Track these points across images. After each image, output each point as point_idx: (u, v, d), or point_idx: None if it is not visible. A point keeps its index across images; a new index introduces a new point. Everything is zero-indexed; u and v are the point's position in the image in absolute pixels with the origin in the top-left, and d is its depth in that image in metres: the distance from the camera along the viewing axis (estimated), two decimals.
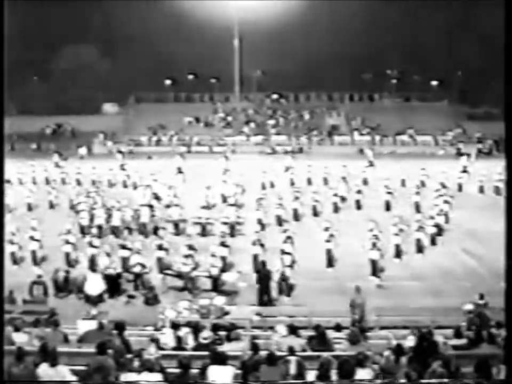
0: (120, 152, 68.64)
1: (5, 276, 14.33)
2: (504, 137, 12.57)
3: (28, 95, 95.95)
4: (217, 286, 27.01)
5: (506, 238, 11.55)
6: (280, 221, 38.14)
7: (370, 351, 14.44)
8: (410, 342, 15.58)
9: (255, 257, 30.01)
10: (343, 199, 43.90)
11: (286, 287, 27.42)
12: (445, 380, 12.56)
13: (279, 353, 14.48)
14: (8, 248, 31.45)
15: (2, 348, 13.07)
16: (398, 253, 31.71)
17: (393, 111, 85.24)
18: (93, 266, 28.64)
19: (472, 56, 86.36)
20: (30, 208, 43.23)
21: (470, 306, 21.05)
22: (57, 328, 17.81)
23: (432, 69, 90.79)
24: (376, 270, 29.37)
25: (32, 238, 31.74)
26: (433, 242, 34.19)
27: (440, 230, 35.37)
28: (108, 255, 28.89)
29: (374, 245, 29.97)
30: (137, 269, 27.77)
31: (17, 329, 17.38)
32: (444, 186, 44.16)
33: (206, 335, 17.08)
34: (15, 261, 31.27)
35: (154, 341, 15.59)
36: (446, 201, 39.42)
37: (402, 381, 12.92)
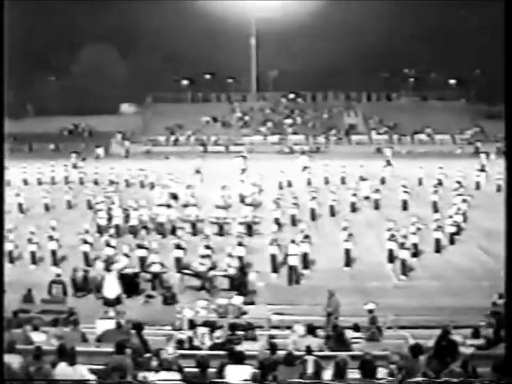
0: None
1: (4, 276, 14.32)
2: (505, 138, 12.45)
3: (45, 95, 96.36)
4: (234, 285, 27.02)
5: (506, 241, 11.43)
6: (294, 221, 38.10)
7: (388, 351, 14.41)
8: (430, 342, 15.50)
9: (273, 257, 30.02)
10: (366, 198, 43.80)
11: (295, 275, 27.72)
12: (462, 380, 12.49)
13: (296, 353, 14.46)
14: (28, 248, 31.71)
15: (2, 348, 13.10)
16: (416, 253, 31.60)
17: (410, 110, 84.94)
18: (109, 266, 28.73)
19: (490, 54, 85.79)
20: (47, 208, 43.42)
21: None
22: (76, 327, 17.86)
23: (450, 67, 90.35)
24: (405, 269, 29.33)
25: (51, 238, 31.88)
26: (451, 241, 34.06)
27: (458, 229, 35.20)
28: (126, 255, 28.98)
29: (402, 244, 29.95)
30: (156, 268, 27.83)
31: (35, 329, 17.46)
32: (461, 185, 43.92)
33: (218, 334, 17.09)
34: (34, 260, 31.46)
35: (172, 340, 15.62)
36: (464, 200, 39.22)
37: (420, 379, 12.86)
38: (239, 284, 26.95)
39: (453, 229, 34.48)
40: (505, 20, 12.22)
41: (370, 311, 20.98)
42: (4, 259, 24.77)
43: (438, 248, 32.84)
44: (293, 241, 29.64)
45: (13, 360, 13.59)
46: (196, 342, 17.44)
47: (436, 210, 39.86)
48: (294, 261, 29.07)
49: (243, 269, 28.30)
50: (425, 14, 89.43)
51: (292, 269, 28.99)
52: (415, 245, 31.61)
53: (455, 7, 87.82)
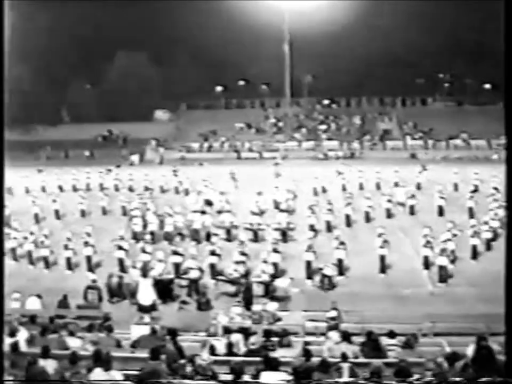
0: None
1: (5, 277, 14.42)
2: (505, 138, 12.25)
3: (81, 102, 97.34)
4: (269, 292, 26.97)
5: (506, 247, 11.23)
6: (329, 227, 37.96)
7: (423, 358, 14.27)
8: (469, 350, 15.30)
9: (308, 263, 29.93)
10: (401, 204, 43.51)
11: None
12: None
13: (331, 360, 14.38)
14: (63, 254, 31.99)
15: (2, 348, 13.17)
16: (453, 259, 31.29)
17: (445, 115, 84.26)
18: (145, 272, 28.83)
19: None
20: (83, 214, 43.74)
21: None
22: (111, 333, 17.95)
23: (485, 71, 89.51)
24: (445, 276, 29.08)
25: (86, 244, 32.11)
26: (488, 247, 33.67)
27: (495, 235, 34.75)
28: (161, 261, 29.08)
29: (443, 250, 29.71)
30: (194, 274, 27.87)
31: (71, 334, 17.58)
32: (498, 190, 43.37)
33: (253, 340, 17.06)
34: (70, 266, 31.70)
35: (207, 346, 15.62)
36: (500, 206, 38.73)
37: None
38: (273, 290, 26.95)
39: (489, 235, 34.08)
40: (505, 21, 12.05)
41: (333, 319, 20.93)
42: (4, 259, 25.05)
43: (475, 254, 32.48)
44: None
45: (48, 365, 13.71)
46: (229, 349, 17.44)
47: (471, 216, 39.45)
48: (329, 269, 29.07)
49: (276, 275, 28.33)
50: (460, 18, 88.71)
51: (325, 276, 28.92)
52: (451, 251, 31.30)
53: (491, 11, 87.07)
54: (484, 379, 12.16)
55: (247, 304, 24.69)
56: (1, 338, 13.30)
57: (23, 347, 15.97)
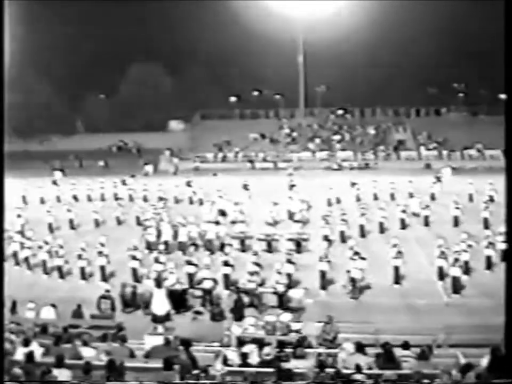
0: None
1: (5, 279, 14.46)
2: (505, 139, 12.19)
3: (95, 113, 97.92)
4: (283, 302, 26.91)
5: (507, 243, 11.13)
6: (344, 237, 37.88)
7: (437, 369, 14.19)
8: (484, 361, 15.20)
9: (323, 274, 29.85)
10: (415, 215, 43.34)
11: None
12: None
13: (345, 371, 14.31)
14: (77, 263, 32.04)
15: (2, 348, 13.19)
16: (467, 270, 31.12)
17: (460, 125, 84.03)
18: (159, 282, 28.83)
19: None
20: (97, 224, 43.85)
21: None
22: (125, 343, 17.94)
23: (499, 81, 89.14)
24: (458, 287, 28.94)
25: (100, 254, 32.16)
26: (503, 258, 33.45)
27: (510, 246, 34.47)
28: (172, 272, 29.06)
29: (456, 260, 29.57)
30: (208, 285, 27.84)
31: (85, 344, 17.59)
32: None
33: (267, 351, 16.99)
34: (84, 276, 31.74)
35: (220, 356, 15.58)
36: None
37: None
38: (287, 300, 26.89)
39: (504, 246, 33.86)
40: (505, 22, 12.00)
41: (297, 331, 20.87)
42: (4, 261, 25.05)
43: (489, 265, 32.30)
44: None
45: (62, 374, 13.73)
46: (243, 359, 17.39)
47: (486, 226, 39.27)
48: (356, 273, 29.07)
49: (290, 285, 28.27)
50: (474, 29, 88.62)
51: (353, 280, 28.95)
52: (466, 262, 31.12)
53: (507, 21, 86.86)
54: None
55: (238, 317, 24.60)
56: (1, 339, 13.34)
57: (38, 357, 16.01)
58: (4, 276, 13.30)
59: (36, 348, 16.57)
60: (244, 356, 17.53)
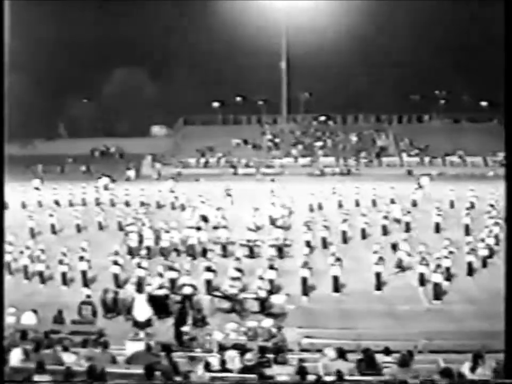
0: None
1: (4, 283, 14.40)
2: (505, 140, 12.29)
3: (78, 117, 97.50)
4: (264, 308, 26.91)
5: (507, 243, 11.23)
6: (325, 243, 37.94)
7: (418, 375, 14.21)
8: (465, 368, 15.25)
9: (304, 280, 29.88)
10: (397, 221, 43.49)
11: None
12: None
13: (327, 377, 14.31)
14: (59, 269, 31.89)
15: (2, 348, 13.12)
16: (448, 276, 31.26)
17: (442, 132, 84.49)
18: (140, 287, 28.75)
19: None
20: (79, 229, 43.68)
21: None
22: (106, 349, 17.85)
23: (481, 89, 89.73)
24: (439, 293, 29.07)
25: (81, 259, 32.03)
26: (484, 264, 33.67)
27: (491, 253, 34.72)
28: (157, 276, 28.99)
29: (437, 266, 29.69)
30: (187, 291, 27.79)
31: (66, 349, 17.49)
32: (494, 208, 43.38)
33: (249, 357, 16.94)
34: (65, 281, 31.60)
35: (202, 362, 15.54)
36: (496, 223, 38.69)
37: None
38: (269, 306, 26.88)
39: (486, 252, 34.09)
40: (505, 24, 12.08)
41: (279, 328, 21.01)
42: (3, 269, 24.91)
43: (471, 271, 32.48)
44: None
45: (43, 380, 13.65)
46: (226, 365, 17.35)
47: (468, 233, 39.48)
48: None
49: (272, 291, 28.27)
50: (457, 36, 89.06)
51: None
52: (447, 269, 31.27)
53: (487, 28, 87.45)
54: None
55: (180, 322, 24.23)
56: (1, 339, 13.28)
57: (17, 362, 15.91)
58: (3, 280, 13.25)
59: (17, 354, 16.47)
60: (225, 362, 17.50)
